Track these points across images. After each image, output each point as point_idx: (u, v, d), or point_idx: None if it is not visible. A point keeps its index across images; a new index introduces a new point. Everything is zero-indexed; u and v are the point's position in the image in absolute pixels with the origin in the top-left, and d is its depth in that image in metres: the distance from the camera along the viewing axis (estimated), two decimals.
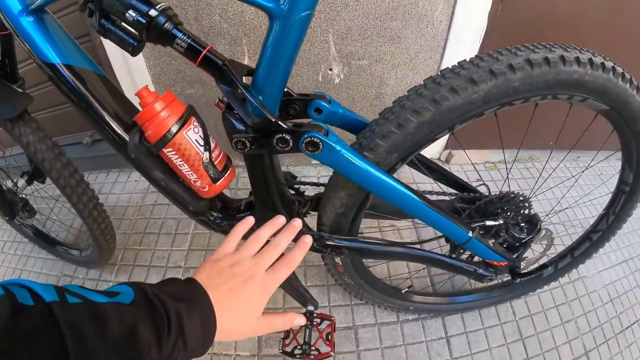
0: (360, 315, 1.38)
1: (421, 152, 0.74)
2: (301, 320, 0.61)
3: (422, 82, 0.63)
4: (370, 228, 1.66)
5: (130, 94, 0.75)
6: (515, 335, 1.44)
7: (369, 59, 1.49)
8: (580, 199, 1.87)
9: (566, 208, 1.82)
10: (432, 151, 2.00)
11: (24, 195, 1.39)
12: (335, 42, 1.42)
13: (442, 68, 1.52)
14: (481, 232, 0.85)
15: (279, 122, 0.59)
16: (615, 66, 0.67)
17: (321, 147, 0.60)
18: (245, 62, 1.43)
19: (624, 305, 1.70)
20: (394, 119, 0.60)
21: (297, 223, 0.63)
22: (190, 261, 1.54)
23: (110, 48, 1.41)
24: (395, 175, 0.69)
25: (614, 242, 1.92)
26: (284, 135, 0.59)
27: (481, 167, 2.13)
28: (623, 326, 1.62)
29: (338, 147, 0.60)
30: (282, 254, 0.60)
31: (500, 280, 1.39)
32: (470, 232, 0.75)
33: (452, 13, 1.44)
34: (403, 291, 1.25)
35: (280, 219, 0.63)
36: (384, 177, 0.63)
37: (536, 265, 1.06)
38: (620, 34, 1.80)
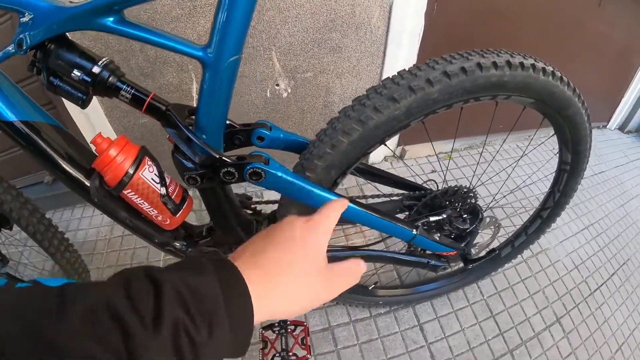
0: (335, 315, 1.43)
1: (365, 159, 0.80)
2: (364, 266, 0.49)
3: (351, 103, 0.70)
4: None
5: (91, 134, 0.78)
6: (485, 314, 1.51)
7: (313, 71, 1.56)
8: (522, 183, 2.00)
9: (512, 190, 1.88)
10: (386, 148, 2.05)
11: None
12: (278, 59, 1.48)
13: (384, 72, 1.60)
14: (425, 227, 0.92)
15: (223, 158, 0.64)
16: (535, 62, 0.73)
17: (264, 176, 0.65)
18: (194, 87, 1.48)
19: (590, 270, 1.82)
20: (328, 141, 0.67)
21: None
22: None
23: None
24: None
25: (572, 212, 2.09)
26: (229, 169, 0.65)
27: (434, 159, 2.21)
28: (591, 289, 1.73)
29: (279, 173, 0.66)
30: None
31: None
32: (414, 229, 0.82)
33: (389, 18, 1.52)
34: (370, 287, 1.31)
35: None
36: (325, 194, 0.70)
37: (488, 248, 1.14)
38: (555, 25, 1.97)
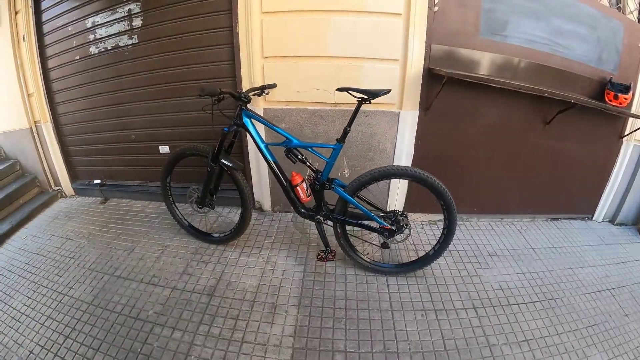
0: (349, 268, 2.81)
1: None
2: None
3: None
4: None
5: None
6: (425, 291, 2.55)
7: (359, 167, 3.37)
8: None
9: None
10: None
11: (214, 197, 2.96)
12: (346, 161, 3.34)
13: None
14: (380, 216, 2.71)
15: (326, 183, 2.59)
16: (419, 172, 2.46)
17: (334, 187, 2.58)
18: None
19: (513, 293, 2.48)
20: (351, 184, 2.57)
21: None
22: (274, 250, 3.03)
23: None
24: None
25: (514, 262, 2.83)
26: (327, 184, 2.59)
27: (426, 223, 3.52)
28: (510, 303, 2.40)
29: (338, 189, 2.58)
30: None
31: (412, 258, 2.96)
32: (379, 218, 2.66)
33: (395, 148, 3.25)
34: (364, 255, 2.92)
35: None
36: (351, 198, 2.57)
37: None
38: (506, 145, 3.27)
